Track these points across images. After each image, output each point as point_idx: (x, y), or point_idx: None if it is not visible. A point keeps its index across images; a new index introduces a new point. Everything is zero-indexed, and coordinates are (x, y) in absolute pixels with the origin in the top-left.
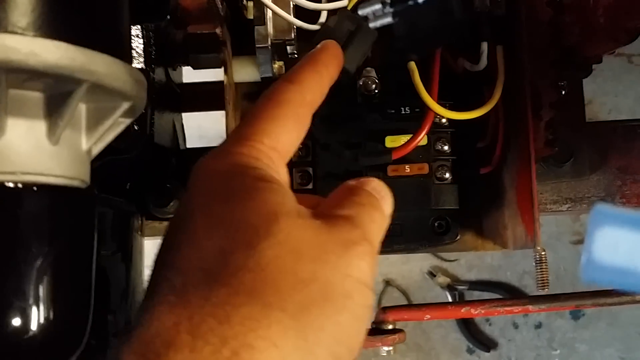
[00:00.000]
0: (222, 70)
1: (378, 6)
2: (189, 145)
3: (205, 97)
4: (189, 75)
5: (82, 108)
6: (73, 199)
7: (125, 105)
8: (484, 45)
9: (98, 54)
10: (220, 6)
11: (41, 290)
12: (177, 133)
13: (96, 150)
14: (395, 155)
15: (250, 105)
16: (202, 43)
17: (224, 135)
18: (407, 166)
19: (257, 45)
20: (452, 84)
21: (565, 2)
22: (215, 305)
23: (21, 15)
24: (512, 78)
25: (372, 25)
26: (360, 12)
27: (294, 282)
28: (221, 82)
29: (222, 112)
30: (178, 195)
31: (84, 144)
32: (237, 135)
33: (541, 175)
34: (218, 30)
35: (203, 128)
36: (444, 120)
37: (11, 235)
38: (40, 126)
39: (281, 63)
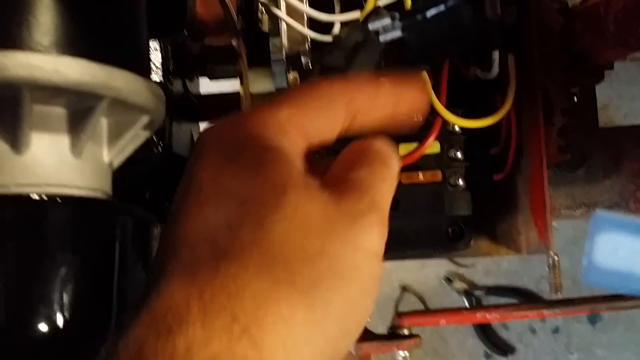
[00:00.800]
0: (238, 81)
1: (387, 21)
2: None
3: (222, 108)
4: (206, 86)
5: (104, 122)
6: (95, 209)
7: (145, 119)
8: (496, 54)
9: (118, 70)
10: (236, 19)
11: (65, 297)
12: (194, 142)
13: (117, 162)
14: (403, 162)
15: None
16: (218, 55)
17: None
18: (420, 173)
19: (272, 57)
20: (465, 91)
21: (576, 10)
22: (224, 280)
23: (44, 34)
24: (523, 86)
25: (382, 39)
26: (370, 27)
27: (302, 257)
28: (237, 93)
29: None
30: None
31: (106, 157)
32: (254, 105)
33: (554, 180)
34: (234, 42)
35: None
36: (457, 128)
37: (36, 245)
38: (63, 140)
39: (296, 74)
